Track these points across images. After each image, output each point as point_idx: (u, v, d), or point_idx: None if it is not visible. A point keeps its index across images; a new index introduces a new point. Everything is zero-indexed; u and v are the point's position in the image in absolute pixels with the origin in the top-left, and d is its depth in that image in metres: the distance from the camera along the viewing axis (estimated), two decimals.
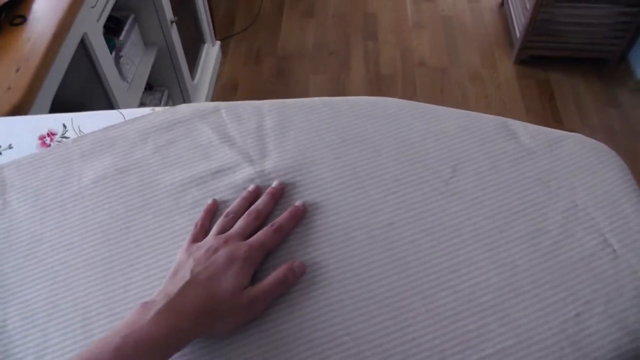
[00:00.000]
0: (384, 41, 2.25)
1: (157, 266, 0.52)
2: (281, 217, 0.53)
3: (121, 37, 1.47)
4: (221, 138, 0.63)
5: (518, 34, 2.01)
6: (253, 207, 0.53)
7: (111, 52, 1.36)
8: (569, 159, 0.59)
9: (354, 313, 0.49)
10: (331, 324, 0.49)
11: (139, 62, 1.60)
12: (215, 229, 0.52)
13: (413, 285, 0.51)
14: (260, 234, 0.51)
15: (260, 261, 0.50)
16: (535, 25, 1.91)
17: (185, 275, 0.46)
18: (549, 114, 1.93)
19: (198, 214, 0.55)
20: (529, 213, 0.55)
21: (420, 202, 0.56)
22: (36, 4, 1.01)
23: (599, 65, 2.02)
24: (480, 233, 0.54)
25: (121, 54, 1.46)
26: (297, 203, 0.55)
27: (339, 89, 2.12)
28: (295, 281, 0.50)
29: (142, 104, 1.67)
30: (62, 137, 0.64)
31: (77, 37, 1.06)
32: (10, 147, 0.63)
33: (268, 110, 0.65)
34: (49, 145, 0.64)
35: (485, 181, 0.58)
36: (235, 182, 0.58)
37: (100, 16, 1.22)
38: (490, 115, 0.64)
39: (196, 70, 2.00)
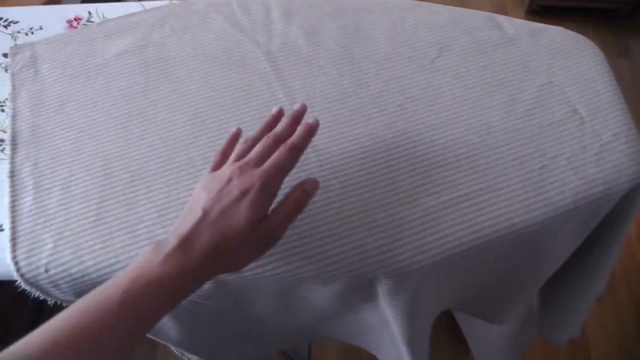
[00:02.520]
0: None
1: (171, 121, 0.59)
2: (295, 135, 0.48)
3: None
4: (232, 25, 0.69)
5: None
6: (272, 131, 0.49)
7: None
8: (549, 45, 0.64)
9: (341, 162, 0.55)
10: (322, 173, 0.55)
11: None
12: (232, 156, 0.48)
13: (396, 140, 0.57)
14: (274, 158, 0.46)
15: (279, 186, 0.46)
16: None
17: (197, 212, 0.43)
18: None
19: (210, 83, 0.62)
20: (506, 86, 0.61)
21: (408, 75, 0.62)
22: None
23: (611, 16, 2.02)
24: (460, 100, 0.59)
25: None
26: (311, 120, 0.49)
27: None
28: (309, 200, 0.47)
29: None
30: (87, 22, 0.71)
31: None
32: (40, 28, 0.70)
33: (275, 3, 0.71)
34: (76, 27, 0.70)
35: (468, 61, 0.63)
36: (243, 58, 0.64)
37: None
38: (479, 11, 0.69)
39: None
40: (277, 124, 0.50)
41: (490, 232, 0.51)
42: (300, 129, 0.48)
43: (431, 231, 0.51)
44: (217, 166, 0.49)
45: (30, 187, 0.55)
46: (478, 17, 0.68)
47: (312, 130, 0.49)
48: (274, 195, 0.45)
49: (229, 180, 0.44)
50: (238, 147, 0.48)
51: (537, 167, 0.54)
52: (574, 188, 0.53)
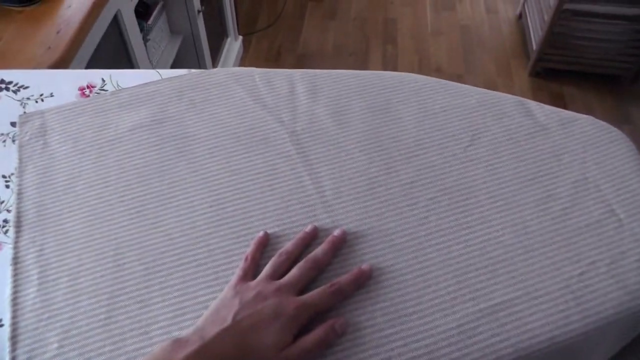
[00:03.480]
0: (402, 46, 2.29)
1: (189, 206, 0.56)
2: (344, 278, 0.49)
3: (149, 22, 1.51)
4: (254, 100, 0.66)
5: (534, 46, 2.05)
6: (312, 255, 0.50)
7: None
8: (581, 136, 0.62)
9: (373, 260, 0.52)
10: (348, 270, 0.52)
11: (164, 48, 1.64)
12: (268, 270, 0.49)
13: (429, 237, 0.54)
14: (316, 294, 0.47)
15: (308, 319, 0.46)
16: (552, 38, 1.94)
17: (226, 317, 0.44)
18: None
19: (231, 165, 0.59)
20: (541, 181, 0.58)
21: (440, 165, 0.59)
22: None
23: (613, 82, 2.05)
24: (494, 195, 0.57)
25: (148, 37, 1.51)
26: (364, 266, 0.50)
27: None
28: (337, 340, 0.46)
29: None
30: (100, 90, 0.68)
31: (112, 10, 1.11)
32: (51, 95, 0.67)
33: (299, 78, 0.69)
34: (88, 96, 0.67)
35: (501, 150, 0.61)
36: (267, 138, 0.62)
37: None
38: (509, 95, 0.67)
39: (218, 63, 2.05)
40: (310, 240, 0.52)
41: (528, 345, 0.48)
42: (352, 276, 0.49)
43: (468, 342, 0.47)
44: (246, 272, 0.49)
45: (35, 277, 0.51)
46: (508, 102, 0.66)
47: (363, 278, 0.50)
48: (302, 325, 0.46)
49: (265, 298, 0.45)
50: (274, 262, 0.50)
51: (575, 274, 0.51)
52: (615, 299, 0.50)
